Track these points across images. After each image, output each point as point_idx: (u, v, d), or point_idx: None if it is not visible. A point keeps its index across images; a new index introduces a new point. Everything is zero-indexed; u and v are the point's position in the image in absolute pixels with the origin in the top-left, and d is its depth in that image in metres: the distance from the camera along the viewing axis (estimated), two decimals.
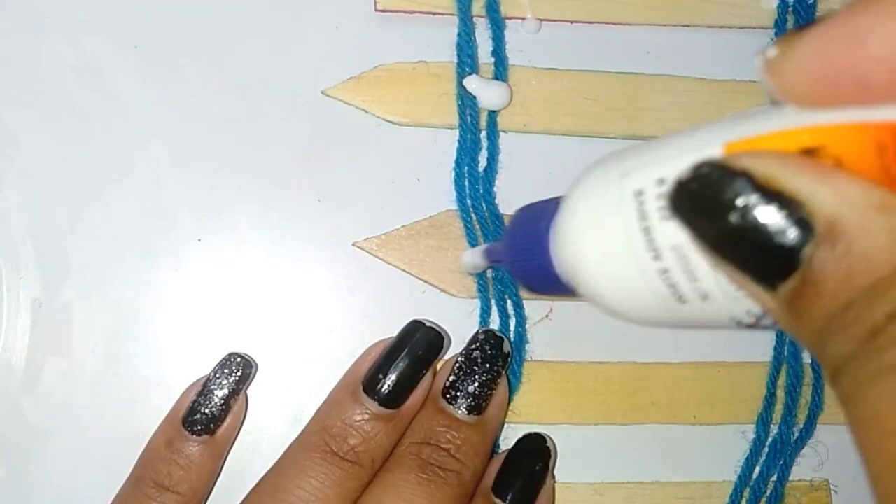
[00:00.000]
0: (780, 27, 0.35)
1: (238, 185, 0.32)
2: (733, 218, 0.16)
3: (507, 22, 0.33)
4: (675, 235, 0.18)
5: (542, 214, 0.23)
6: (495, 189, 0.33)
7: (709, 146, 0.17)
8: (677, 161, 0.18)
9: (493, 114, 0.33)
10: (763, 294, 0.16)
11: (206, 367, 0.30)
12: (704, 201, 0.16)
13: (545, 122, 0.33)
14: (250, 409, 0.31)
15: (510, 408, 0.32)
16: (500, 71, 0.33)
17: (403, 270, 0.32)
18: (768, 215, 0.15)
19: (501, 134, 0.33)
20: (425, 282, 0.32)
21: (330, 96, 0.32)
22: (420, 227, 0.33)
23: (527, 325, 0.33)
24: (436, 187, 0.33)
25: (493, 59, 0.33)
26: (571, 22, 0.34)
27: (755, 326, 0.19)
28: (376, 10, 0.33)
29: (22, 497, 0.31)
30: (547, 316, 0.33)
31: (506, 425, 0.32)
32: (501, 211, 0.33)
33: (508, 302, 0.33)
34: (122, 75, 0.32)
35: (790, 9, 0.35)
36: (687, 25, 0.35)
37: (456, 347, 0.31)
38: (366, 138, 0.33)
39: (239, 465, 0.31)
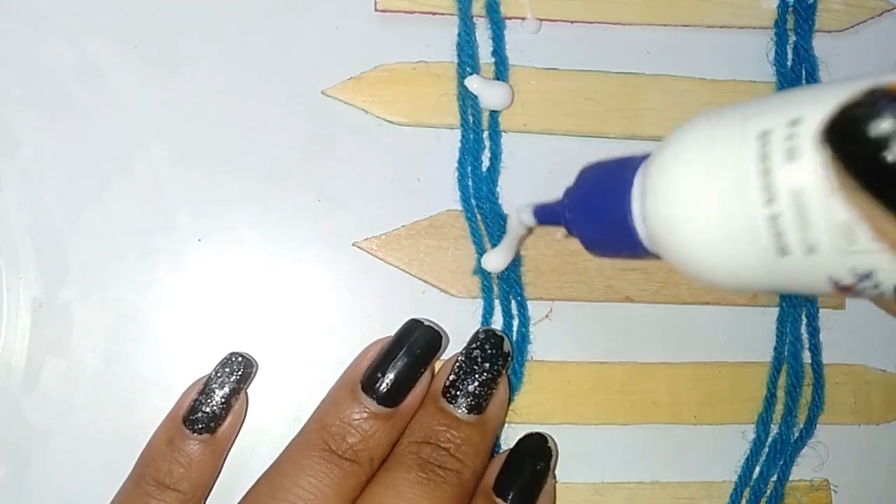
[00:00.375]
0: (780, 27, 0.35)
1: (238, 185, 0.32)
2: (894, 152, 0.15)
3: (507, 22, 0.33)
4: (797, 177, 0.17)
5: (626, 165, 0.22)
6: (497, 189, 0.33)
7: (861, 87, 0.17)
8: (819, 104, 0.17)
9: (494, 114, 0.33)
10: None
11: (206, 367, 0.30)
12: (868, 130, 0.15)
13: (545, 122, 0.33)
14: (250, 409, 0.31)
15: (510, 408, 0.32)
16: (501, 71, 0.33)
17: (403, 270, 0.32)
18: None
19: (502, 134, 0.33)
20: (425, 282, 0.32)
21: (330, 96, 0.32)
22: (420, 227, 0.33)
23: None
24: (436, 187, 0.33)
25: (493, 59, 0.33)
26: (571, 22, 0.34)
27: (851, 290, 0.18)
28: (376, 10, 0.33)
29: (22, 497, 0.31)
30: (547, 316, 0.33)
31: (506, 425, 0.32)
32: (504, 211, 0.33)
33: (512, 302, 0.33)
34: (122, 75, 0.32)
35: (790, 9, 0.35)
36: (687, 25, 0.35)
37: (456, 347, 0.31)
38: (366, 138, 0.33)
39: (238, 464, 0.31)
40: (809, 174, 0.17)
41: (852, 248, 0.17)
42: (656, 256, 0.22)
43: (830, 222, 0.17)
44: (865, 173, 0.16)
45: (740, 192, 0.18)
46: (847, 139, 0.16)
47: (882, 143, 0.15)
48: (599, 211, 0.23)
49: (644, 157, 0.22)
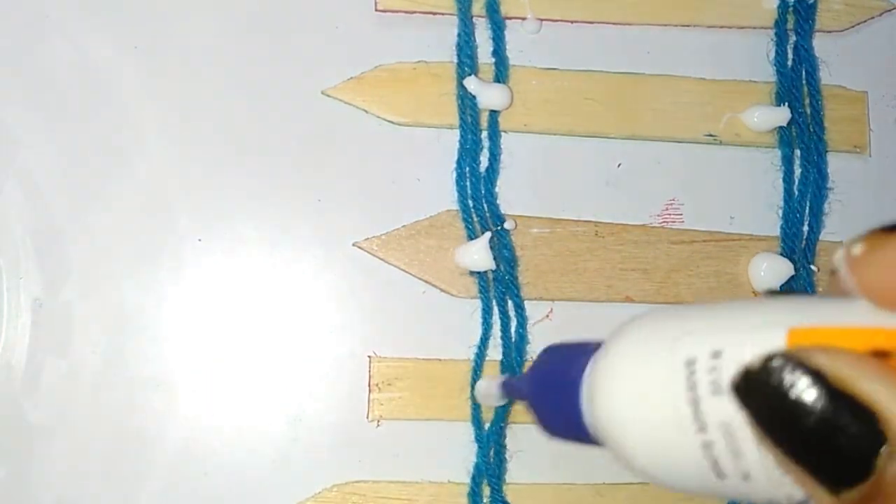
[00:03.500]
0: (780, 27, 0.35)
1: (238, 185, 0.32)
2: (803, 418, 0.15)
3: (507, 22, 0.33)
4: (724, 412, 0.17)
5: (575, 358, 0.22)
6: (496, 189, 0.33)
7: (773, 327, 0.17)
8: (737, 336, 0.17)
9: (494, 114, 0.33)
10: (824, 496, 0.16)
11: (205, 367, 0.30)
12: (774, 396, 0.16)
13: (545, 122, 0.33)
14: (250, 410, 0.31)
15: (512, 408, 0.32)
16: (501, 71, 0.33)
17: (404, 270, 0.32)
18: (840, 420, 0.15)
19: (502, 134, 0.33)
20: (426, 282, 0.32)
21: (330, 96, 0.32)
22: (420, 227, 0.33)
23: (527, 326, 0.33)
24: (436, 187, 0.33)
25: (493, 59, 0.33)
26: (571, 22, 0.34)
27: None
28: (376, 10, 0.33)
29: (22, 497, 0.31)
30: (547, 316, 0.33)
31: (507, 425, 0.32)
32: (503, 210, 0.33)
33: (509, 303, 0.32)
34: (122, 75, 0.32)
35: (790, 9, 0.35)
36: (687, 25, 0.35)
37: (455, 347, 0.31)
38: (366, 138, 0.33)
39: (238, 465, 0.31)
40: (733, 410, 0.17)
41: (785, 479, 0.17)
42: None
43: (761, 455, 0.17)
44: (770, 432, 0.16)
45: (675, 417, 0.18)
46: (751, 400, 0.16)
47: (784, 409, 0.16)
48: (552, 401, 0.23)
49: (597, 348, 0.21)
